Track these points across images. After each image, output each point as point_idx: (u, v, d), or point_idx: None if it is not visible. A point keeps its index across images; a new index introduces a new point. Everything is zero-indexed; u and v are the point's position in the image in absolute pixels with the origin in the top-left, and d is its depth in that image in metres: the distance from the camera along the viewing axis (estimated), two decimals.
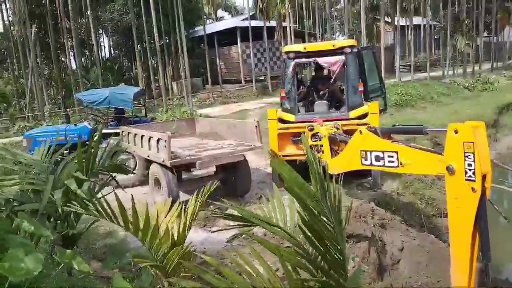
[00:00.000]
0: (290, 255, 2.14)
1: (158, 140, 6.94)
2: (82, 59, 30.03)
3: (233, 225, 2.88)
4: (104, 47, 36.93)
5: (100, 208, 2.76)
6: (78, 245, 3.93)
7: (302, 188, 2.00)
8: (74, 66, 27.94)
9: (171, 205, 3.40)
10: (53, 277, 3.00)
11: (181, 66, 26.93)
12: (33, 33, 22.00)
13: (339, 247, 2.02)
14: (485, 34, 38.31)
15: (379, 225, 5.93)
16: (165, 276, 2.74)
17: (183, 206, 3.25)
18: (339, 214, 2.09)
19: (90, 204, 2.89)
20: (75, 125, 10.16)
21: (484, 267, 3.25)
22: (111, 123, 10.07)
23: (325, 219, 2.03)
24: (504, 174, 11.74)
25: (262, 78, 29.17)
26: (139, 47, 25.18)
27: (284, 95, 8.26)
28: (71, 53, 28.68)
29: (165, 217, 3.13)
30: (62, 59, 31.23)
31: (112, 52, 34.90)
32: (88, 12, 27.66)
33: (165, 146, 6.61)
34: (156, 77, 26.78)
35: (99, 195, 3.45)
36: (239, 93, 26.73)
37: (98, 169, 3.60)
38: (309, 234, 2.03)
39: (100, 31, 33.87)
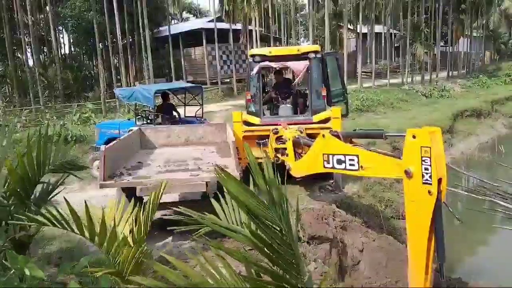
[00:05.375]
0: (250, 259, 2.13)
1: None
2: (40, 56, 28.83)
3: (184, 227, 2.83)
4: (64, 44, 35.59)
5: (49, 215, 2.61)
6: (30, 249, 3.74)
7: (249, 199, 1.99)
8: (31, 63, 26.77)
9: None
10: (2, 283, 2.83)
11: (145, 66, 26.45)
12: None
13: (291, 251, 2.03)
14: (442, 44, 40.08)
15: (340, 227, 6.05)
16: (123, 281, 2.66)
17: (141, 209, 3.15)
18: (288, 219, 2.09)
19: (41, 213, 2.72)
20: (129, 120, 10.35)
21: (439, 267, 3.37)
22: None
23: (275, 226, 2.05)
24: (459, 178, 12.30)
25: (228, 80, 29.13)
26: (100, 46, 24.46)
27: (250, 98, 8.27)
28: (28, 50, 27.46)
29: (120, 220, 3.02)
30: (19, 55, 29.83)
31: (72, 49, 33.70)
32: (48, 7, 26.63)
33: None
34: (118, 77, 26.12)
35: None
36: (204, 95, 26.46)
37: (51, 169, 3.44)
38: (257, 242, 2.03)
39: (60, 28, 32.64)
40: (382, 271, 5.35)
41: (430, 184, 3.26)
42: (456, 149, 15.91)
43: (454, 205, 10.33)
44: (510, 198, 11.46)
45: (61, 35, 34.81)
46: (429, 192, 3.26)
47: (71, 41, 32.50)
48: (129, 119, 10.51)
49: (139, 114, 10.04)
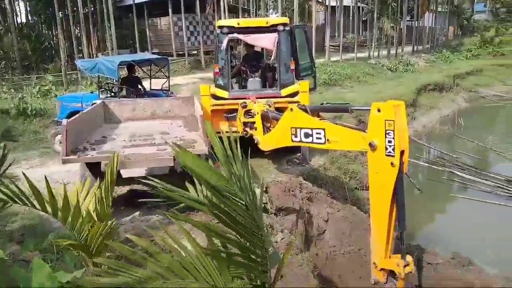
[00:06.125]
0: (217, 233, 2.15)
1: None
2: None
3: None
4: (20, 12, 33.51)
5: (8, 191, 2.52)
6: None
7: (209, 172, 2.00)
8: None
9: None
10: None
11: (107, 36, 25.42)
12: None
13: (254, 223, 2.07)
14: (408, 18, 40.59)
15: (306, 198, 6.19)
16: (90, 257, 2.63)
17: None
18: (250, 192, 2.12)
19: None
20: (92, 92, 10.02)
21: (399, 235, 3.53)
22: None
23: (237, 199, 2.07)
24: (420, 150, 12.79)
25: (195, 52, 28.49)
26: (60, 14, 23.22)
27: (218, 71, 8.14)
28: None
29: (85, 196, 2.96)
30: None
31: (30, 18, 31.80)
32: None
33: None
34: (80, 48, 25.00)
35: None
36: (171, 67, 25.81)
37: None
38: (220, 215, 2.05)
39: None
40: (346, 240, 5.56)
41: (393, 156, 3.37)
42: (418, 122, 16.41)
43: (415, 176, 10.76)
44: (467, 169, 12.05)
45: (17, 3, 32.73)
46: (391, 164, 3.37)
47: (28, 9, 30.65)
48: (92, 92, 10.16)
49: (103, 86, 9.73)
